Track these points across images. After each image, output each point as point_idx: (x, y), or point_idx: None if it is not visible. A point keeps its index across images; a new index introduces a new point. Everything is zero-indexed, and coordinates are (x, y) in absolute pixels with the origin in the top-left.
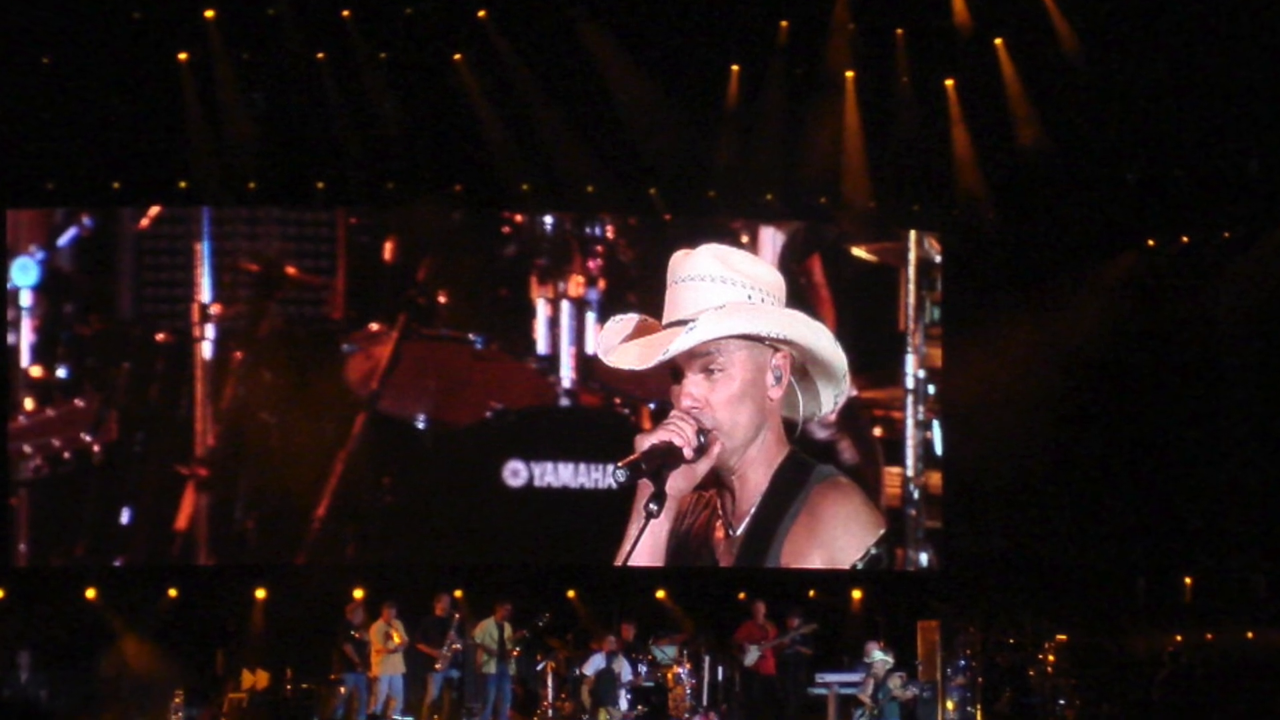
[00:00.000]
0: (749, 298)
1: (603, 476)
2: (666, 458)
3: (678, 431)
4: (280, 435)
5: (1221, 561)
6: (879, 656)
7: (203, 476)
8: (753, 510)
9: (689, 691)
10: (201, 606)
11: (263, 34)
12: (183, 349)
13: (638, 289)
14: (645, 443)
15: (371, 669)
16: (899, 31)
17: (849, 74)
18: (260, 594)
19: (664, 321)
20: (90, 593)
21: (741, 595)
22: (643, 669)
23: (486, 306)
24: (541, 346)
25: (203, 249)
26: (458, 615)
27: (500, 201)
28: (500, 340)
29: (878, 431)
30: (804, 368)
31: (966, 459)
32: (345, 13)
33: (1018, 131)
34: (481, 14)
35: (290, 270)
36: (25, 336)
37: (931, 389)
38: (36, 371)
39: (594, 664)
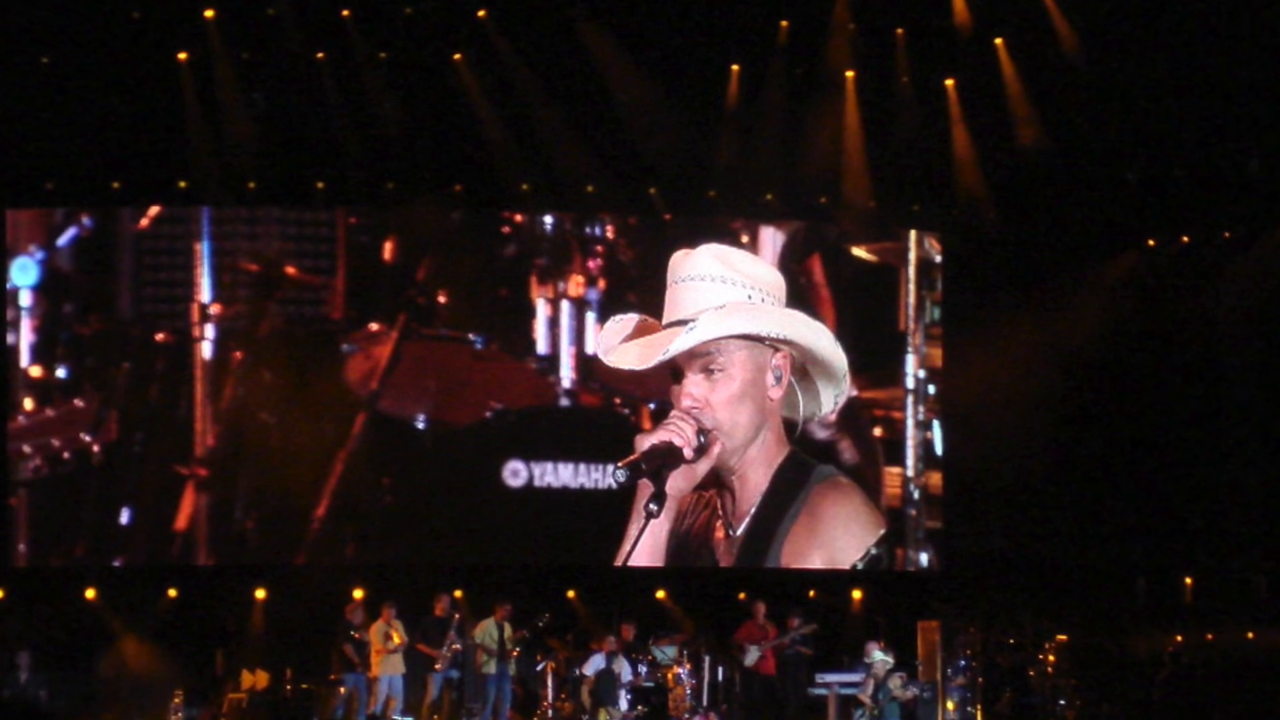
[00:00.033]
0: (749, 298)
1: (603, 476)
2: (666, 458)
3: (678, 431)
4: (280, 435)
5: (1222, 562)
6: (879, 657)
7: (202, 477)
8: (753, 510)
9: (689, 692)
10: (201, 607)
11: (262, 34)
12: (182, 349)
13: (638, 289)
14: (645, 443)
15: (371, 669)
16: (899, 31)
17: (849, 74)
18: (260, 594)
19: (664, 321)
20: (90, 593)
21: (742, 595)
22: (643, 669)
23: (486, 306)
24: (541, 346)
25: (202, 249)
26: (457, 615)
27: (500, 201)
28: (500, 340)
29: (878, 431)
30: (804, 368)
31: (967, 459)
32: (345, 12)
33: (1018, 131)
34: (481, 14)
35: (290, 270)
36: (25, 336)
37: (932, 389)
38: (36, 371)
39: (594, 664)
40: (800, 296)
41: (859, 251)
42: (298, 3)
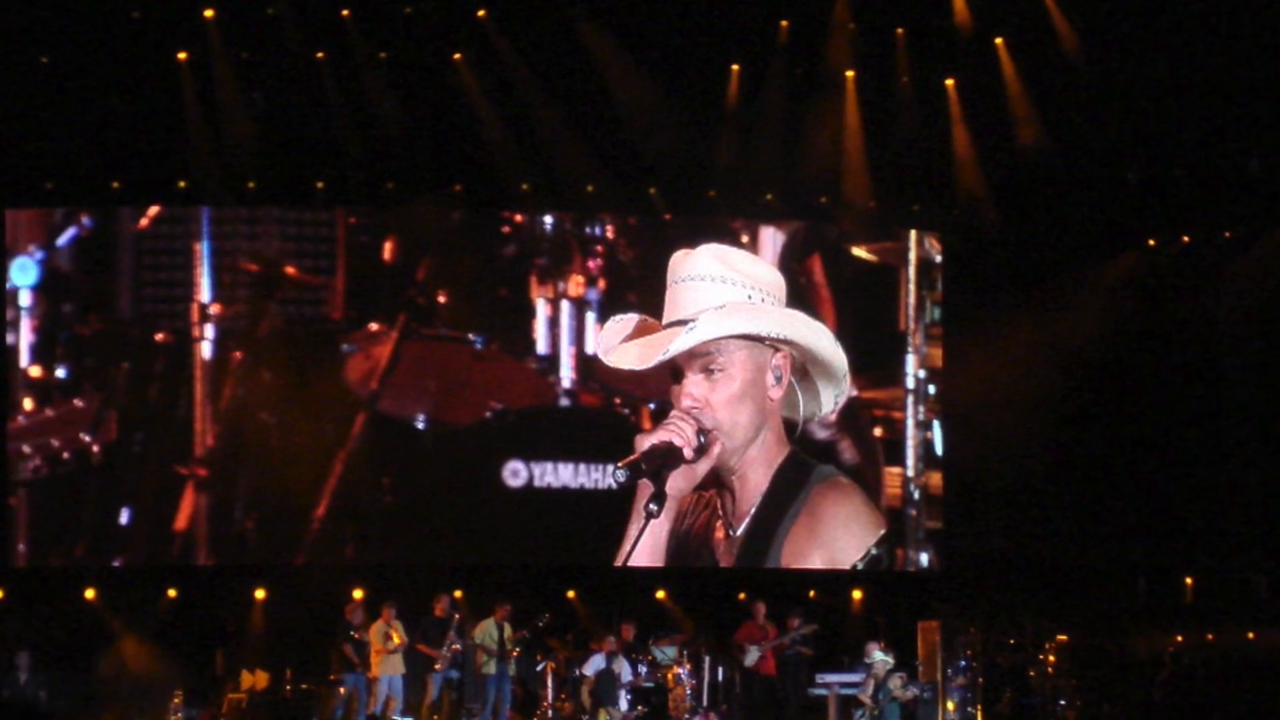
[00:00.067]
0: (749, 298)
1: (603, 476)
2: (666, 458)
3: (678, 431)
4: (280, 435)
5: (1222, 562)
6: (879, 657)
7: (202, 477)
8: (753, 510)
9: (689, 692)
10: (201, 607)
11: (262, 33)
12: (182, 349)
13: (638, 289)
14: (645, 443)
15: (371, 669)
16: (899, 31)
17: (849, 74)
18: (260, 594)
19: (664, 321)
20: (89, 593)
21: (742, 596)
22: (643, 669)
23: (486, 306)
24: (541, 346)
25: (202, 249)
26: (457, 616)
27: (500, 201)
28: (500, 340)
29: (878, 431)
30: (804, 368)
31: (967, 459)
32: (345, 12)
33: (1018, 131)
34: (481, 14)
35: (290, 270)
36: (24, 336)
37: (932, 389)
38: (36, 371)
39: (594, 664)
40: (800, 296)
41: (859, 251)
42: (297, 2)
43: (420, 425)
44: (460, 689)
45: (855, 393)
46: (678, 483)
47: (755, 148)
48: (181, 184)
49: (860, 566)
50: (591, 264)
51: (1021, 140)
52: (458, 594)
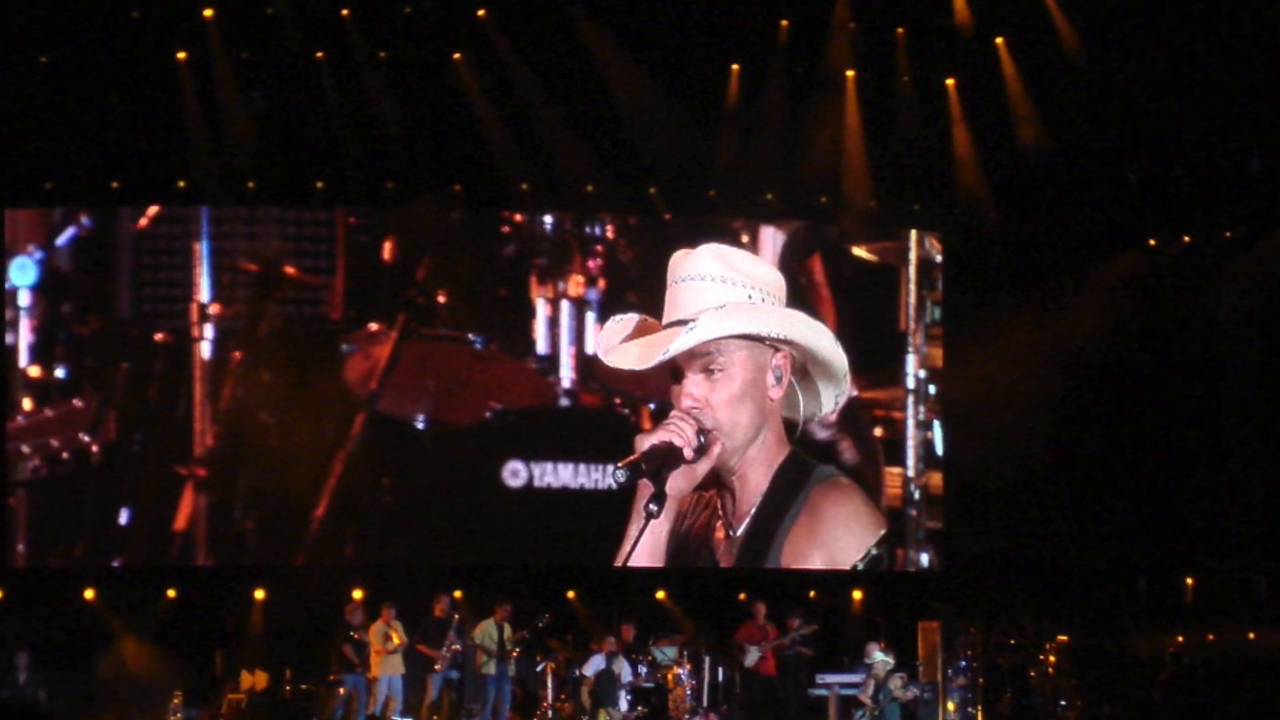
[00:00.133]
0: (749, 297)
1: (603, 477)
2: (666, 458)
3: (678, 432)
4: (279, 435)
5: (1223, 562)
6: (880, 657)
7: (202, 477)
8: (753, 511)
9: (689, 692)
10: (200, 607)
11: (262, 33)
12: (181, 349)
13: (638, 289)
14: (645, 443)
15: (371, 670)
16: (900, 31)
17: (850, 73)
18: (259, 595)
19: (664, 321)
20: (89, 593)
21: (742, 596)
22: (643, 670)
23: (486, 306)
24: (541, 346)
25: (201, 249)
26: (457, 616)
27: (500, 201)
28: (500, 340)
29: (878, 432)
30: (804, 368)
31: (967, 459)
32: (344, 12)
33: (1019, 131)
34: (481, 13)
35: (289, 270)
36: (24, 336)
37: (932, 389)
38: (35, 371)
39: (594, 665)
40: (800, 296)
41: (859, 251)
42: (297, 2)
43: (420, 425)
44: (460, 689)
45: (855, 393)
46: (678, 483)
47: (755, 148)
48: (181, 184)
49: (860, 567)
50: (591, 264)
51: (1022, 140)
52: (457, 594)
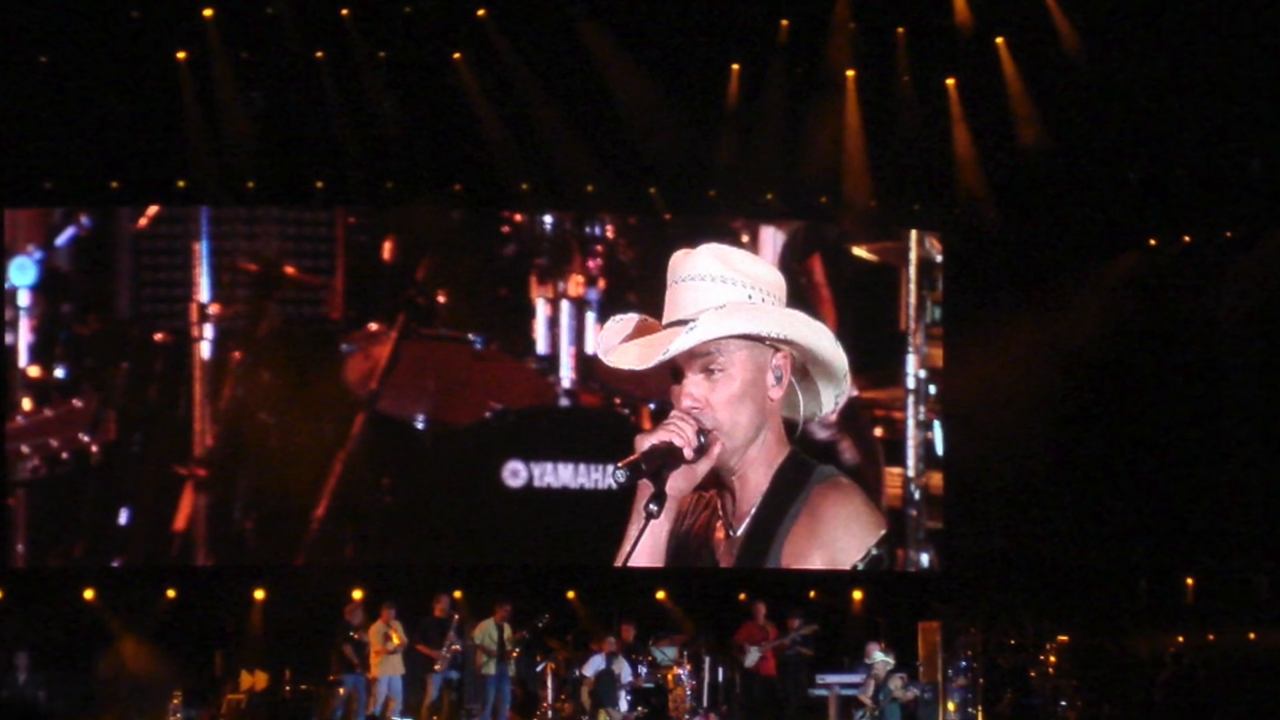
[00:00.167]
0: (749, 297)
1: (603, 477)
2: (666, 458)
3: (678, 432)
4: (279, 435)
5: (1223, 562)
6: (880, 657)
7: (201, 477)
8: (753, 511)
9: (689, 693)
10: (200, 607)
11: (261, 33)
12: (181, 349)
13: (638, 289)
14: (645, 443)
15: (370, 670)
16: (900, 30)
17: (850, 73)
18: (259, 595)
19: (664, 321)
20: (88, 593)
21: (742, 596)
22: (643, 670)
23: (486, 306)
24: (541, 346)
25: (201, 249)
26: (457, 616)
27: (500, 201)
28: (500, 340)
29: (878, 432)
30: (804, 368)
31: (967, 459)
32: (344, 11)
33: (1019, 131)
34: (481, 13)
35: (289, 270)
36: (23, 336)
37: (932, 389)
38: (34, 371)
39: (594, 665)
40: (801, 296)
41: (859, 251)
42: (297, 2)
43: (420, 425)
44: (460, 689)
45: (856, 393)
46: (678, 483)
47: (755, 148)
48: (180, 184)
49: (861, 567)
50: (591, 264)
51: (1022, 140)
52: (457, 594)
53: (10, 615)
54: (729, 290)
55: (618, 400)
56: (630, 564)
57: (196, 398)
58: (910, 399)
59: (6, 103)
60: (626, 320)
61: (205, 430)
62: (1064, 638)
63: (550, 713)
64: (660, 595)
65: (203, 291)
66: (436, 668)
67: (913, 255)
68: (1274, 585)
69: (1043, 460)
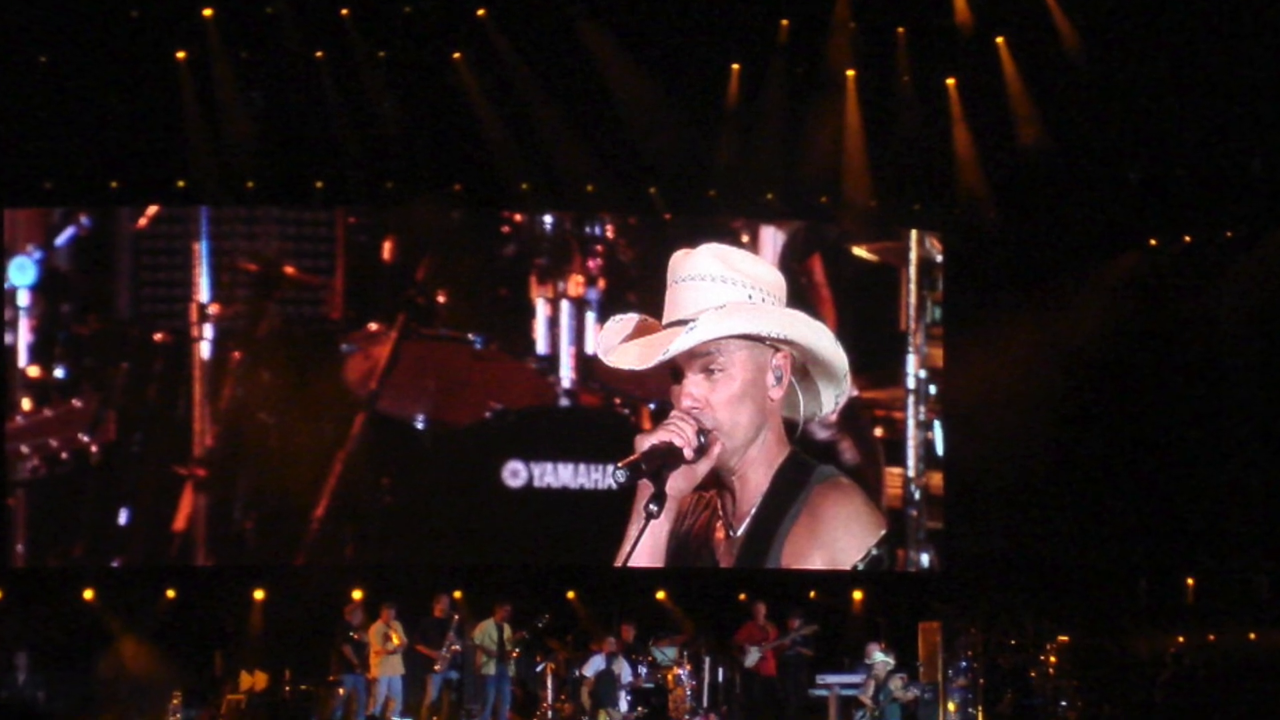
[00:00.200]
0: (749, 297)
1: (603, 477)
2: (666, 458)
3: (678, 432)
4: (279, 436)
5: (1224, 562)
6: (880, 658)
7: (201, 477)
8: (753, 511)
9: (689, 693)
10: (200, 607)
11: (261, 32)
12: (181, 349)
13: (638, 289)
14: (645, 443)
15: (370, 670)
16: (900, 30)
17: (850, 73)
18: (259, 595)
19: (664, 321)
20: (88, 594)
21: (742, 596)
22: (643, 670)
23: (486, 306)
24: (541, 346)
25: (201, 249)
26: (457, 616)
27: (500, 201)
28: (500, 340)
29: (879, 432)
30: (805, 368)
31: (968, 459)
32: (344, 11)
33: (1019, 131)
34: (481, 13)
35: (289, 270)
36: (23, 336)
37: (933, 389)
38: (34, 371)
39: (594, 665)
40: (801, 296)
41: (859, 251)
42: (297, 2)
43: (420, 425)
44: (460, 690)
45: (856, 393)
46: (678, 483)
47: (755, 148)
48: (180, 184)
49: (861, 567)
50: (591, 264)
51: (1022, 140)
52: (457, 594)
53: (10, 615)
54: (729, 290)
55: (618, 400)
56: (630, 564)
57: (196, 398)
58: (910, 399)
59: (6, 103)
60: (626, 320)
61: (205, 430)
62: (1064, 638)
63: (550, 713)
64: (660, 595)
65: (202, 291)
66: (436, 668)
67: (913, 255)
68: (1274, 585)
69: (1043, 460)
